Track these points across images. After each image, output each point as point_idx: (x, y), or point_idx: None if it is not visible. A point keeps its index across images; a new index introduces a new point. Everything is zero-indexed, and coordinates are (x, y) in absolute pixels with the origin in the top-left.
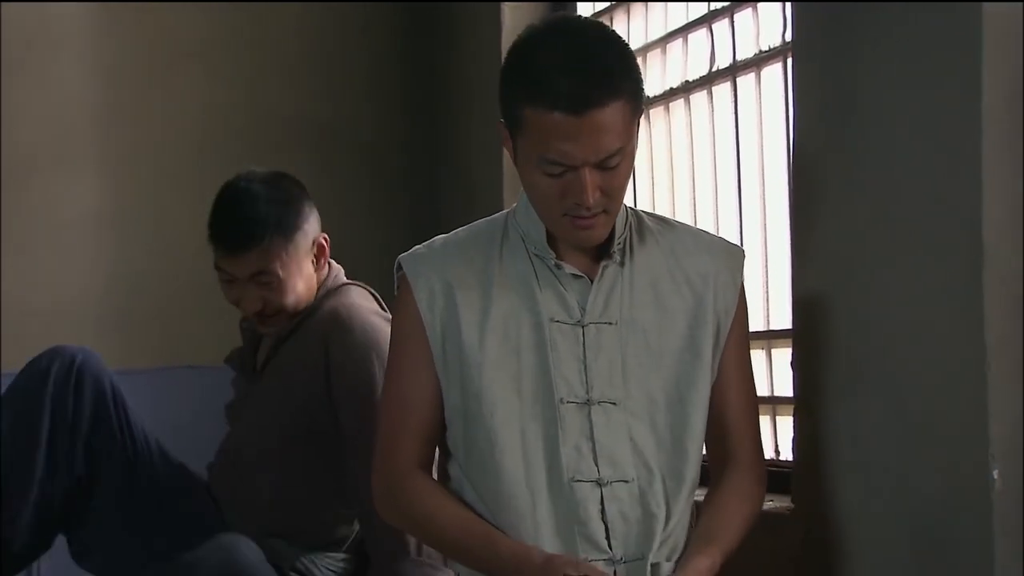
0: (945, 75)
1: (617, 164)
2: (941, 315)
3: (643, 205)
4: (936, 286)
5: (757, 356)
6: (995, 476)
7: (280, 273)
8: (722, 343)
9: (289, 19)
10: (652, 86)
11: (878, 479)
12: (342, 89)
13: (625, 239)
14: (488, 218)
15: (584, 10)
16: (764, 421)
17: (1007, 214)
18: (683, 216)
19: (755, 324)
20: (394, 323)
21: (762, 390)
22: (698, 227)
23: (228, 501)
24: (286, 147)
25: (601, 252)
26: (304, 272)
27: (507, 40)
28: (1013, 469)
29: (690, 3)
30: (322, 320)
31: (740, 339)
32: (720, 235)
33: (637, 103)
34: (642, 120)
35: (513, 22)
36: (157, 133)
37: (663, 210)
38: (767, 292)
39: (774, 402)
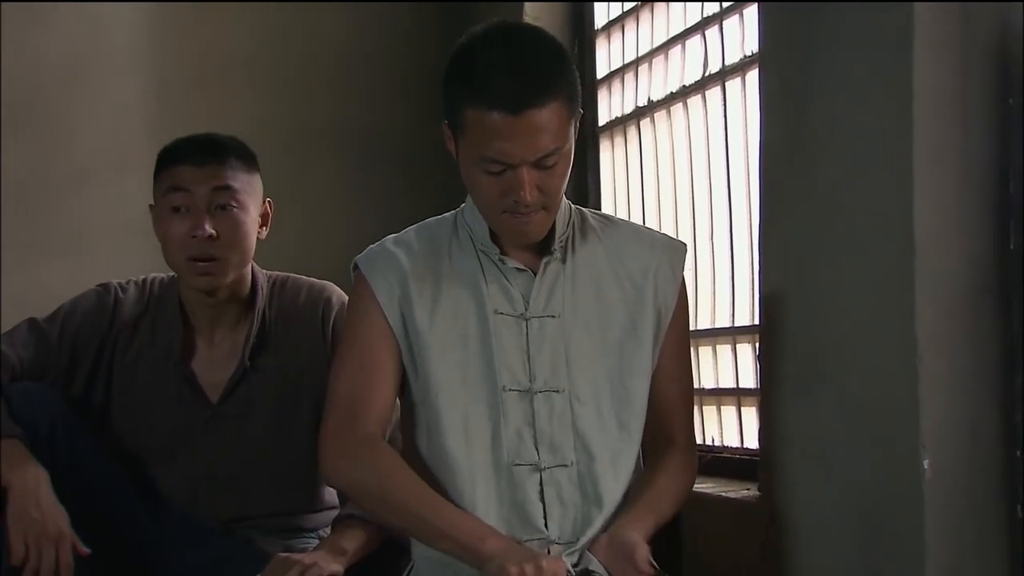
0: (879, 78)
1: (554, 164)
2: (877, 311)
3: (650, 207)
4: (872, 283)
5: (745, 351)
6: (925, 466)
7: (239, 196)
8: (662, 335)
9: (330, 30)
10: (656, 91)
11: (827, 469)
12: (380, 97)
13: (568, 237)
14: (439, 217)
15: (600, 12)
16: (750, 413)
17: (938, 213)
18: (683, 218)
19: (743, 320)
20: (352, 315)
21: (750, 383)
22: (641, 224)
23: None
24: (327, 154)
25: (544, 248)
26: (253, 221)
27: None
28: (943, 459)
29: (690, 3)
30: (305, 301)
31: (680, 331)
32: (664, 231)
33: (573, 105)
34: (647, 124)
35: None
36: None
37: (667, 212)
38: (753, 290)
39: (758, 394)
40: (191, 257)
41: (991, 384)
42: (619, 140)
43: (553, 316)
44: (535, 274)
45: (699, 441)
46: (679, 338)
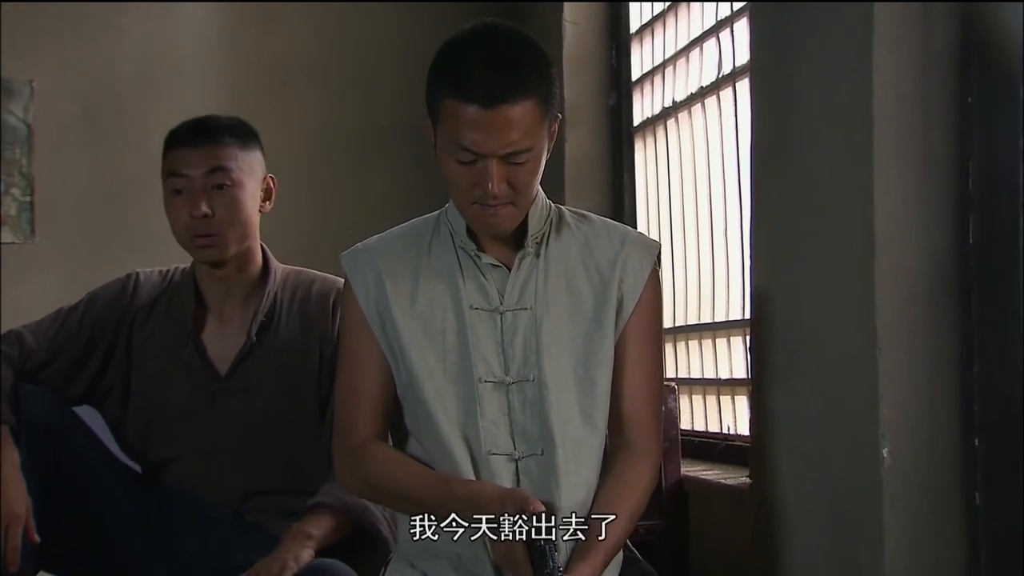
0: (843, 79)
1: (524, 161)
2: (841, 304)
3: (675, 205)
4: (836, 277)
5: None
6: (885, 454)
7: (234, 175)
8: (621, 324)
9: (386, 34)
10: (678, 92)
11: (803, 457)
12: None
13: (544, 234)
14: (425, 216)
15: (635, 12)
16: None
17: (898, 209)
18: (702, 214)
19: None
20: (343, 314)
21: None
22: (614, 221)
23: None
24: (387, 153)
25: (519, 244)
26: (252, 197)
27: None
28: (902, 448)
29: (709, 4)
30: (317, 290)
31: (643, 325)
32: (645, 230)
33: (547, 107)
34: (672, 124)
35: (574, 36)
36: (270, 144)
37: (689, 210)
38: None
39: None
40: (195, 235)
41: (950, 375)
42: (650, 140)
43: (525, 308)
44: (509, 269)
45: (714, 429)
46: (641, 333)
